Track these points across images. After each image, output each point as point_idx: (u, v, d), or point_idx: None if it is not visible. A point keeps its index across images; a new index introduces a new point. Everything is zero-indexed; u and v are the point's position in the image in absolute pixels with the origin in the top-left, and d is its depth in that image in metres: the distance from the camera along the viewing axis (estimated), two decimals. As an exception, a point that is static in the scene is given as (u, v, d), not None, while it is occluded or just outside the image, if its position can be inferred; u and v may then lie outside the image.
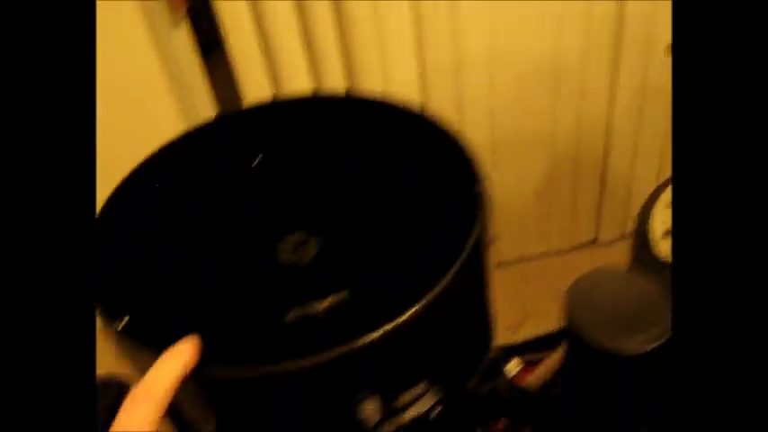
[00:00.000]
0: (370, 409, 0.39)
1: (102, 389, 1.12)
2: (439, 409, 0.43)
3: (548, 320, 1.57)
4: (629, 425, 0.37)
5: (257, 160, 0.56)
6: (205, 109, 1.31)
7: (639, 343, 0.33)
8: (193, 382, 0.36)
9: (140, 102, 1.27)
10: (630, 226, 1.66)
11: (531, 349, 0.95)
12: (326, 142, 0.56)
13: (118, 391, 1.12)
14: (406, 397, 0.42)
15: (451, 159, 0.48)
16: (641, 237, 0.80)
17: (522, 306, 1.56)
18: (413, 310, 0.37)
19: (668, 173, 1.14)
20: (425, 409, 0.42)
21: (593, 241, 1.68)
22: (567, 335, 0.35)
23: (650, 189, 1.02)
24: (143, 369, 0.38)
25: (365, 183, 0.52)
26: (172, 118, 1.28)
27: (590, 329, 0.33)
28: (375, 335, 0.36)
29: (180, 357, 0.36)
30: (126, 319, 0.41)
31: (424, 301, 0.37)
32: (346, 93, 0.54)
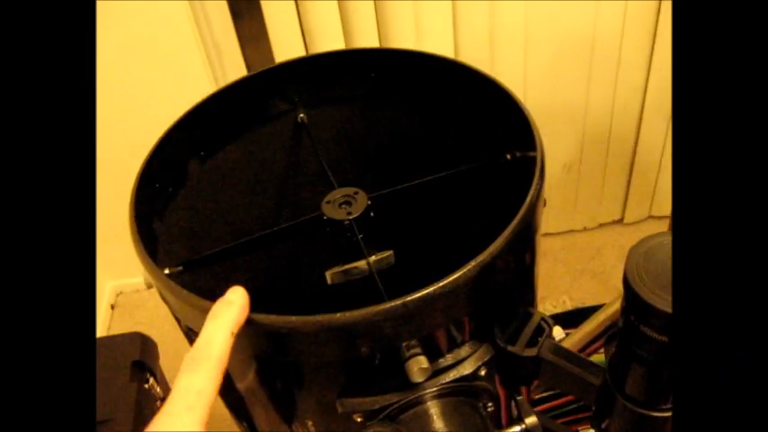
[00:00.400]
0: (417, 368, 0.38)
1: (127, 343, 1.14)
2: (483, 371, 0.42)
3: (571, 299, 1.57)
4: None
5: (301, 115, 0.55)
6: (236, 72, 1.30)
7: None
8: (243, 334, 0.36)
9: (173, 63, 1.27)
10: (657, 208, 1.64)
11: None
12: (377, 99, 0.55)
13: (142, 346, 1.13)
14: (451, 357, 0.41)
15: (510, 122, 0.47)
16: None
17: (544, 283, 1.55)
18: (466, 269, 0.36)
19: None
20: (469, 371, 0.42)
21: (620, 220, 1.67)
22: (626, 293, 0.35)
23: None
24: (193, 318, 0.38)
25: (417, 141, 0.51)
26: (203, 80, 1.28)
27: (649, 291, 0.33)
28: (424, 293, 0.35)
29: (230, 310, 0.35)
30: (180, 268, 0.41)
31: (476, 262, 0.36)
32: (401, 50, 0.52)
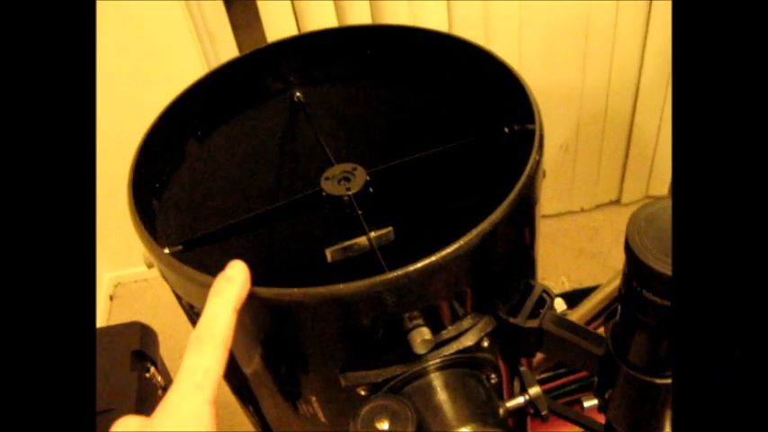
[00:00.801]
0: (420, 339, 0.38)
1: (127, 333, 1.14)
2: (486, 342, 0.42)
3: (569, 279, 1.57)
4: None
5: (297, 94, 0.55)
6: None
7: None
8: (245, 310, 0.35)
9: (165, 49, 1.26)
10: (654, 188, 1.64)
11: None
12: (373, 76, 0.55)
13: (142, 335, 1.13)
14: (454, 329, 0.41)
15: (508, 95, 0.46)
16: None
17: (542, 264, 1.55)
18: (468, 238, 0.36)
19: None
20: (472, 342, 0.42)
21: (617, 201, 1.67)
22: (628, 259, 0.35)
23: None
24: (195, 294, 0.38)
25: (415, 117, 0.51)
26: (196, 66, 1.27)
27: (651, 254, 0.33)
28: (426, 263, 0.35)
29: (231, 286, 0.35)
30: (180, 247, 0.41)
31: (477, 231, 0.36)
32: (397, 26, 0.52)
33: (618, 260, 1.56)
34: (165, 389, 1.12)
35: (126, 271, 1.66)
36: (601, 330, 0.66)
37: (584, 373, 1.01)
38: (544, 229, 1.64)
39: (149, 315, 1.55)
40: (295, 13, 1.23)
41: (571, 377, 1.06)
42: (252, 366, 0.44)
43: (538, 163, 0.41)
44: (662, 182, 1.62)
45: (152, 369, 1.11)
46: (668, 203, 0.36)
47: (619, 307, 0.39)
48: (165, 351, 1.18)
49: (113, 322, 1.58)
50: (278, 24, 1.23)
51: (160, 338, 1.17)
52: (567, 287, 1.54)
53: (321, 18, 1.22)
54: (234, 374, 0.45)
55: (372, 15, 1.24)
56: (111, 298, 1.65)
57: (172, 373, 1.18)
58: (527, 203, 0.40)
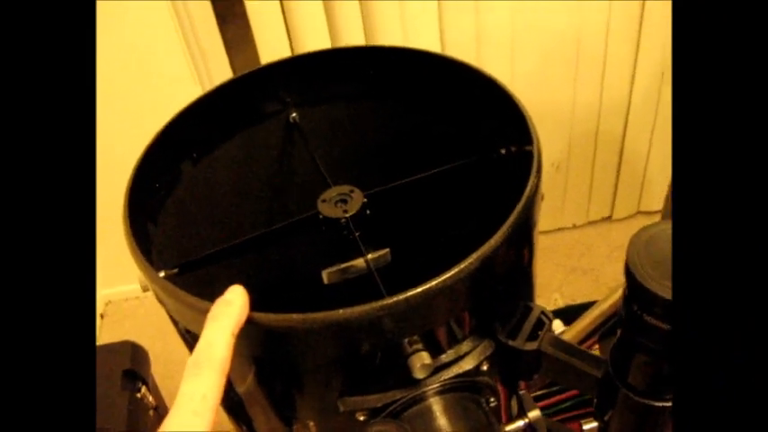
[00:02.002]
0: (420, 364, 0.38)
1: (118, 352, 1.13)
2: (485, 366, 0.42)
3: (563, 296, 1.57)
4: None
5: (293, 115, 0.55)
6: (222, 76, 1.29)
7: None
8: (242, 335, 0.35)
9: (158, 68, 1.26)
10: (645, 204, 1.65)
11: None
12: (370, 97, 0.55)
13: (133, 355, 1.12)
14: (453, 353, 0.41)
15: (505, 117, 0.47)
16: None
17: (535, 280, 1.55)
18: (467, 263, 0.36)
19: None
20: (471, 366, 0.42)
21: (609, 217, 1.67)
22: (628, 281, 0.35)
23: (667, 168, 1.01)
24: (192, 320, 0.38)
25: (411, 139, 0.51)
26: (189, 84, 1.27)
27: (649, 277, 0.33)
28: (425, 287, 0.35)
29: (230, 311, 0.34)
30: (175, 270, 0.41)
31: (477, 255, 0.36)
32: (393, 47, 0.52)
33: (611, 276, 1.56)
34: (156, 409, 1.11)
35: (116, 289, 1.65)
36: (596, 348, 0.65)
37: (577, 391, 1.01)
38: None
39: (140, 334, 1.53)
40: (288, 32, 1.23)
41: (564, 395, 1.05)
42: (248, 389, 0.43)
43: (536, 186, 0.41)
44: (653, 198, 1.63)
45: (143, 389, 1.10)
46: (667, 225, 0.36)
47: (618, 331, 0.39)
48: (157, 370, 1.17)
49: (104, 341, 1.57)
50: (271, 44, 1.23)
51: (151, 357, 1.15)
52: (561, 304, 1.54)
53: (314, 38, 1.22)
54: (230, 399, 0.44)
55: (366, 36, 1.25)
56: (101, 316, 1.64)
57: (163, 393, 1.17)
58: (526, 226, 0.40)
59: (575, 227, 1.67)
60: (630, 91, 1.43)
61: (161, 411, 1.11)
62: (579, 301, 1.54)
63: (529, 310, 0.45)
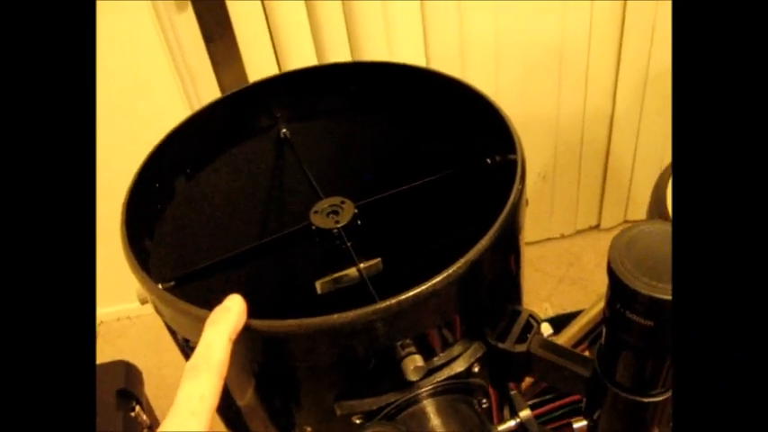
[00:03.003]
0: (413, 366, 0.39)
1: (112, 372, 1.13)
2: (476, 368, 0.43)
3: (552, 305, 1.58)
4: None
5: (284, 130, 0.56)
6: (210, 94, 1.30)
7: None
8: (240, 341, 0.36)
9: (146, 88, 1.27)
10: (632, 212, 1.67)
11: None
12: (359, 111, 0.57)
13: (126, 374, 1.12)
14: (444, 356, 0.42)
15: (489, 127, 0.48)
16: (656, 213, 0.81)
17: (524, 291, 1.57)
18: (456, 267, 0.37)
19: (670, 159, 1.15)
20: (463, 368, 0.43)
21: (596, 226, 1.69)
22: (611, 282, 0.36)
23: (652, 175, 1.02)
24: (190, 329, 0.39)
25: (402, 150, 0.52)
26: (177, 102, 1.28)
27: (632, 276, 0.34)
28: (416, 291, 0.36)
29: (228, 317, 0.35)
30: (172, 283, 0.42)
31: (465, 260, 0.37)
32: (378, 62, 0.53)
33: (600, 284, 1.57)
34: (150, 428, 1.11)
35: (109, 309, 1.64)
36: (587, 354, 0.66)
37: (569, 399, 1.02)
38: (525, 255, 1.65)
39: (133, 353, 1.53)
40: (275, 49, 1.25)
41: (557, 403, 1.06)
42: (246, 397, 0.44)
43: (521, 192, 0.42)
44: (639, 206, 1.65)
45: (137, 408, 1.10)
46: (648, 226, 0.37)
47: (604, 329, 0.40)
48: (150, 389, 1.16)
49: (97, 361, 1.56)
50: (258, 61, 1.25)
51: (145, 377, 1.15)
52: (551, 313, 1.55)
53: (301, 54, 1.24)
54: (227, 406, 0.45)
55: (351, 52, 1.27)
56: (93, 337, 1.64)
57: (157, 412, 1.17)
58: (512, 231, 0.42)
59: (563, 236, 1.69)
60: (614, 100, 1.46)
61: (155, 430, 1.11)
62: (569, 309, 1.55)
63: (517, 313, 0.47)
